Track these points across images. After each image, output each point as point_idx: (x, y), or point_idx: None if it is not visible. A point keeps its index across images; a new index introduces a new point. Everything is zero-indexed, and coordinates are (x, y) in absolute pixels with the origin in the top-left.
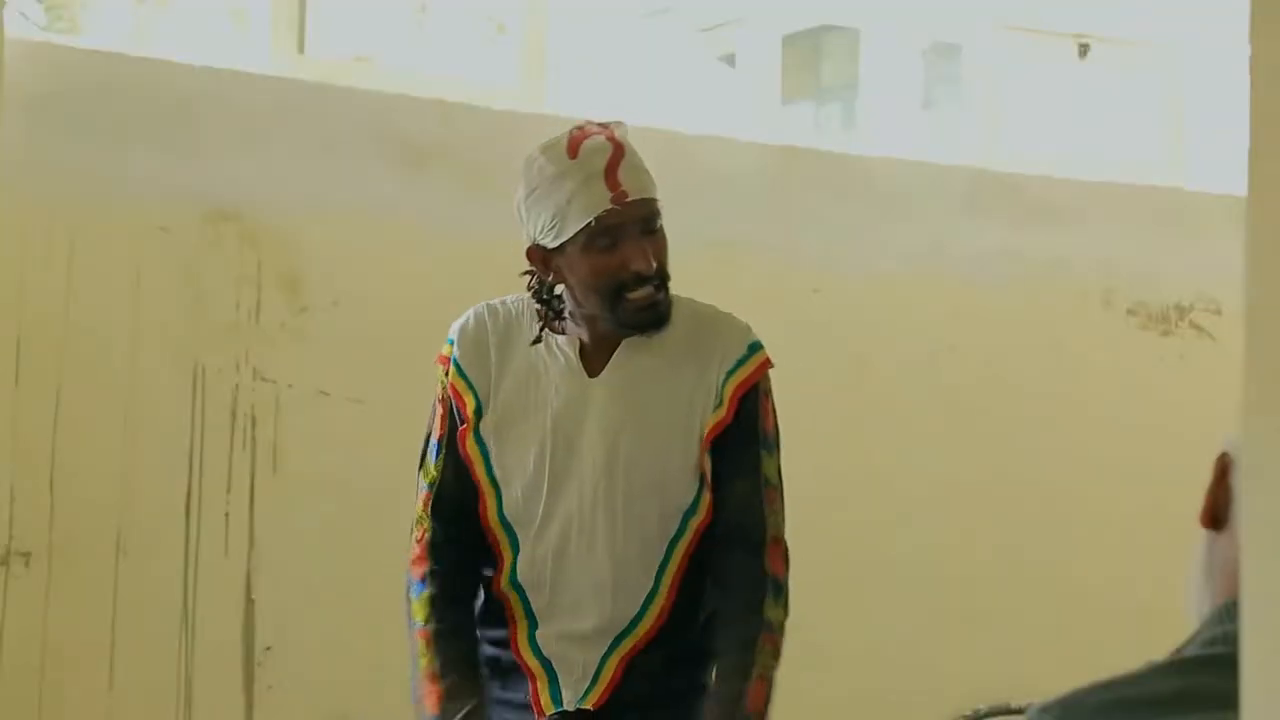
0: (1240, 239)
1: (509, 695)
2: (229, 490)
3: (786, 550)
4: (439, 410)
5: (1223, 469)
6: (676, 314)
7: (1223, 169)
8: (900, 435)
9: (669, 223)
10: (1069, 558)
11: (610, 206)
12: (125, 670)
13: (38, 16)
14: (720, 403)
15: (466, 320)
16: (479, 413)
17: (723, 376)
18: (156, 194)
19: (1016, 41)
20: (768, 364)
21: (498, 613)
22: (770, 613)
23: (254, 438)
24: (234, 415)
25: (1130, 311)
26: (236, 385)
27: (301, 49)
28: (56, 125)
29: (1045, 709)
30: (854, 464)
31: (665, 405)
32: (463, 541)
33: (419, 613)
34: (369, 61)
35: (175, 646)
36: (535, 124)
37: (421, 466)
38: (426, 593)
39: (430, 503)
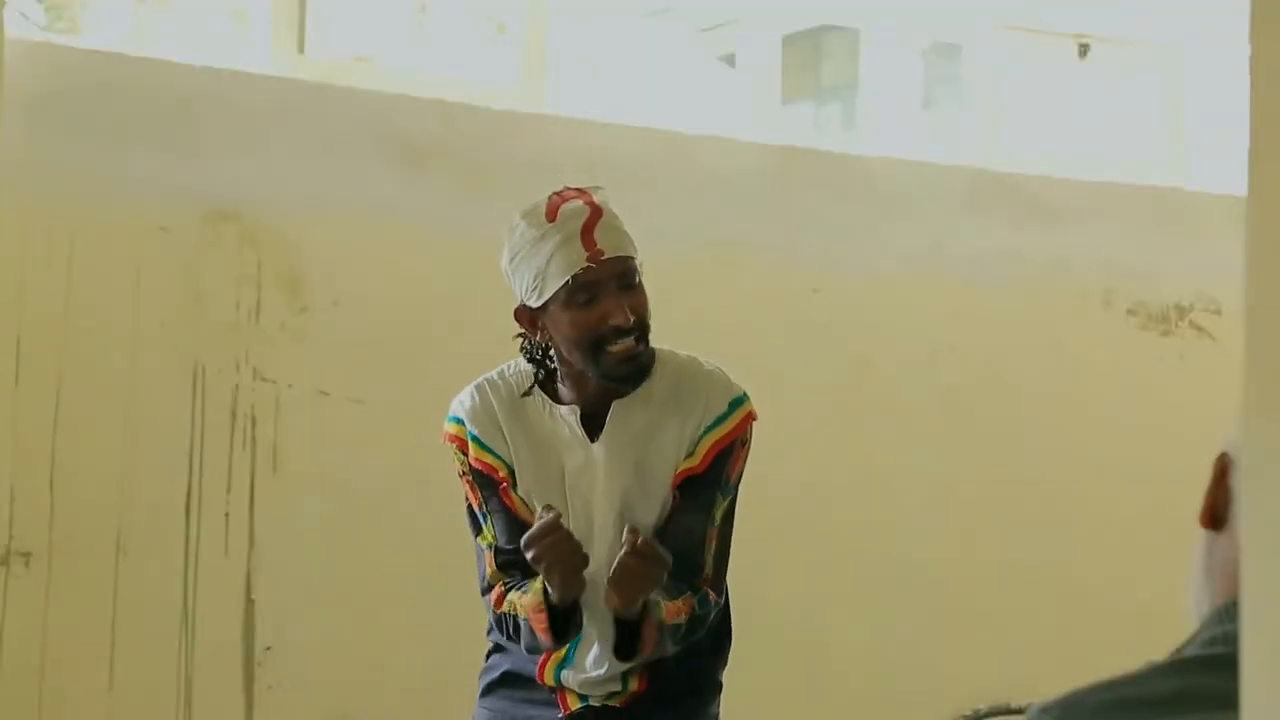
0: (1240, 239)
1: (532, 694)
2: (229, 490)
3: (716, 589)
4: (465, 483)
5: (1222, 469)
6: (661, 369)
7: (1223, 169)
8: (900, 435)
9: (669, 223)
10: (1069, 558)
11: (586, 264)
12: (125, 670)
13: (38, 16)
14: (693, 452)
15: (470, 399)
16: (513, 479)
17: (701, 430)
18: (156, 194)
19: (1016, 41)
20: (750, 418)
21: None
22: (698, 603)
23: (254, 438)
24: (234, 415)
25: (1130, 311)
26: (236, 385)
27: (301, 49)
28: (56, 125)
29: (1045, 709)
30: (854, 464)
31: (656, 461)
32: None
33: (505, 607)
34: (369, 61)
35: (175, 646)
36: (535, 124)
37: (477, 535)
38: (507, 599)
39: (494, 561)
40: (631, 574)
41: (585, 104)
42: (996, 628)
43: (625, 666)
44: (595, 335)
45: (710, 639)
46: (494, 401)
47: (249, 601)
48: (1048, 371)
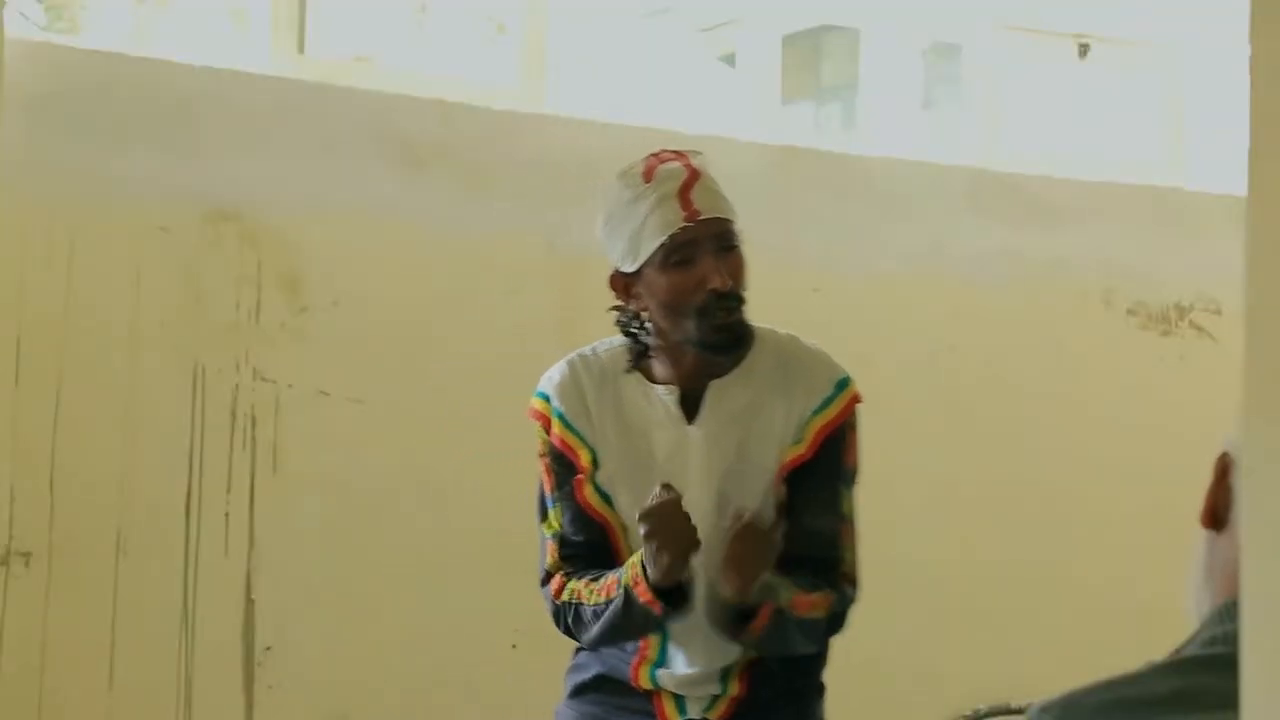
0: (1240, 239)
1: (626, 700)
2: (229, 490)
3: (855, 584)
4: (542, 464)
5: (1223, 469)
6: (763, 348)
7: (1223, 169)
8: (900, 435)
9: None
10: (1069, 558)
11: (684, 224)
12: (125, 670)
13: (38, 16)
14: (801, 439)
15: (559, 374)
16: (595, 463)
17: (808, 414)
18: (156, 194)
19: (1016, 41)
20: (856, 400)
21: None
22: (839, 600)
23: (254, 438)
24: (234, 415)
25: (1130, 311)
26: (236, 385)
27: (301, 49)
28: (56, 125)
29: (1045, 709)
30: None
31: (758, 444)
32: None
33: (566, 596)
34: (369, 61)
35: (175, 646)
36: (535, 124)
37: (543, 521)
38: (568, 588)
39: (557, 552)
40: (742, 556)
41: (585, 104)
42: (996, 628)
43: (723, 664)
44: (692, 299)
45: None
46: (584, 378)
47: (249, 601)
48: (1048, 371)
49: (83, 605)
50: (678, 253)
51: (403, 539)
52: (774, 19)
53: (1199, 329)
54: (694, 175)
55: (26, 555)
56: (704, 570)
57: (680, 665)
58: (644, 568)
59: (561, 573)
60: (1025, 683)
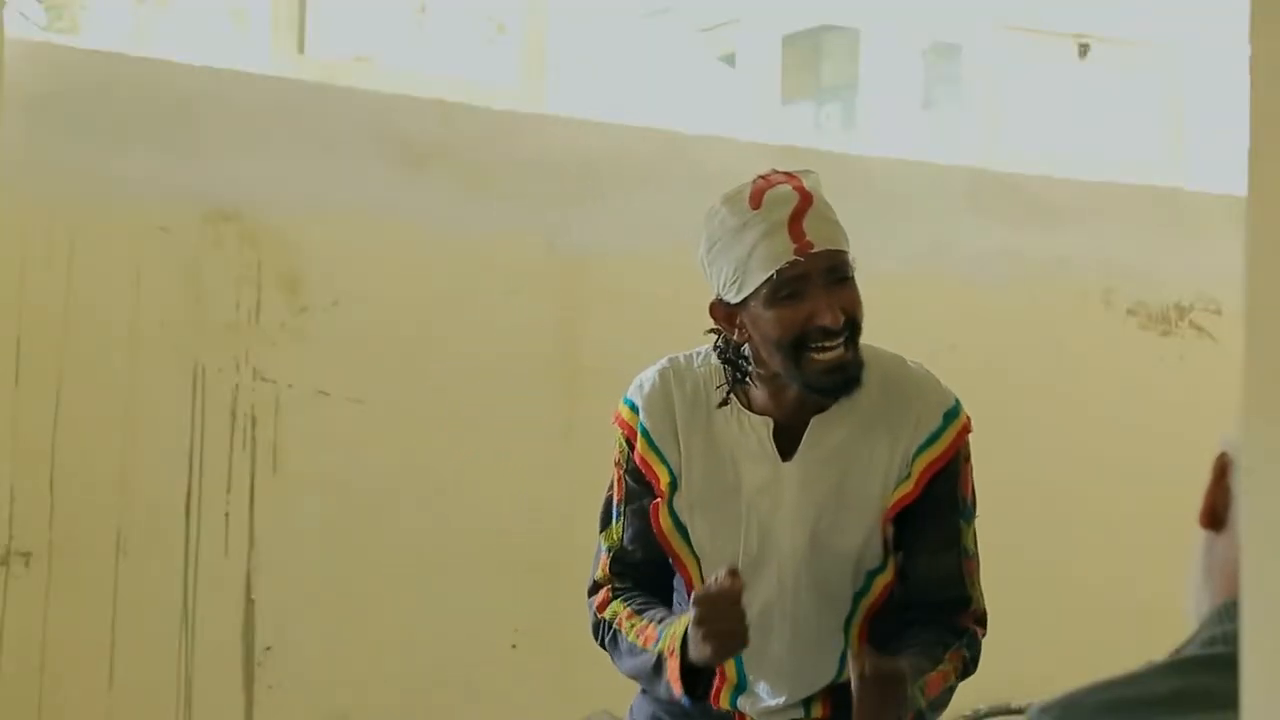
0: (1240, 239)
1: (715, 713)
2: (229, 490)
3: (984, 617)
4: (617, 473)
5: (1222, 469)
6: (868, 375)
7: (1223, 169)
8: None
9: (669, 222)
10: (1069, 558)
11: (794, 258)
12: (125, 670)
13: (38, 16)
14: (909, 476)
15: (651, 384)
16: (673, 486)
17: (914, 450)
18: (156, 194)
19: (1016, 41)
20: (967, 431)
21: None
22: (959, 647)
23: (254, 438)
24: (234, 415)
25: (1130, 311)
26: (236, 385)
27: (301, 49)
28: (56, 125)
29: (1045, 709)
30: None
31: (859, 482)
32: (644, 589)
33: (608, 615)
34: (369, 61)
35: (175, 646)
36: (535, 124)
37: (604, 530)
38: (610, 607)
39: (609, 565)
40: (874, 710)
41: (585, 104)
42: (996, 628)
43: (806, 694)
44: (799, 336)
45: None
46: (675, 393)
47: (249, 601)
48: (1048, 371)
49: (83, 605)
50: (786, 287)
51: (403, 539)
52: (774, 19)
53: (1199, 329)
54: (806, 201)
55: (26, 555)
56: (789, 620)
57: (763, 695)
58: (684, 641)
59: (610, 587)
60: (1025, 683)
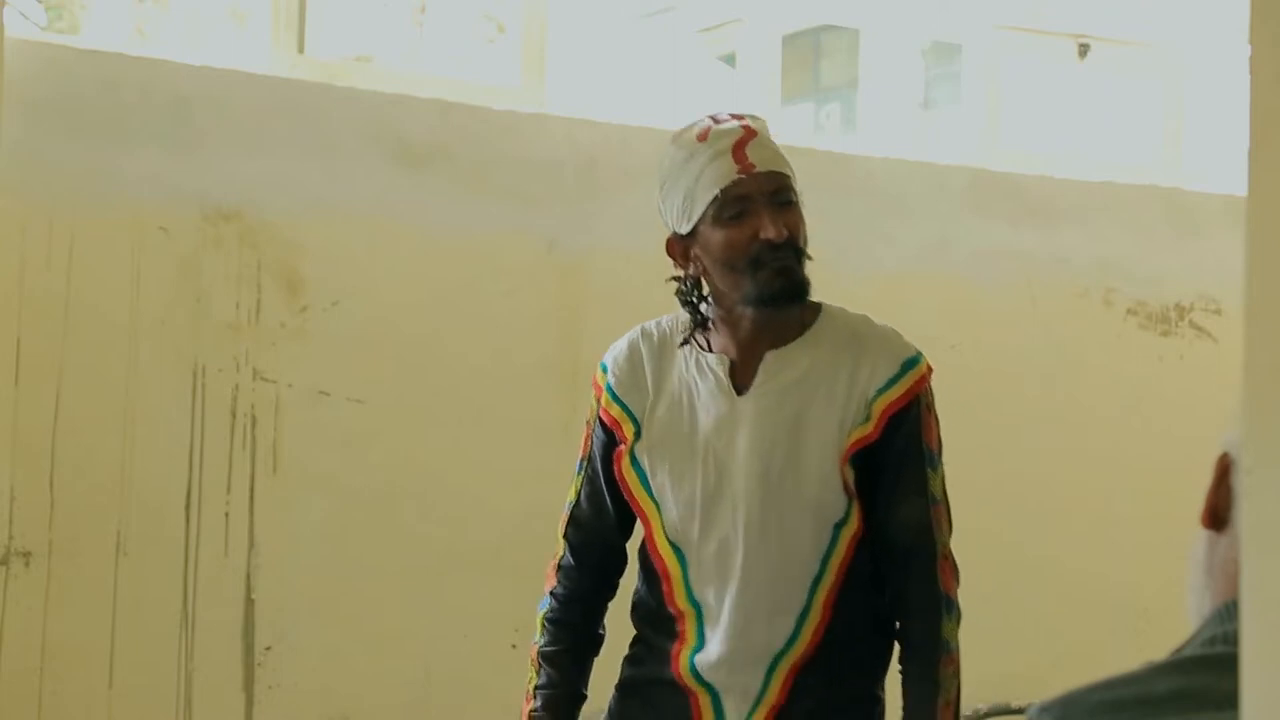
0: (1240, 239)
1: (675, 702)
2: (229, 490)
3: (954, 563)
4: (586, 431)
5: (1223, 469)
6: (827, 321)
7: (1223, 169)
8: None
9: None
10: (1069, 557)
11: (737, 177)
12: (125, 670)
13: (38, 16)
14: (868, 418)
15: (623, 345)
16: (638, 435)
17: (873, 392)
18: (156, 194)
19: (1016, 41)
20: (926, 378)
21: (671, 625)
22: (947, 632)
23: (254, 438)
24: (234, 415)
25: (1130, 311)
26: (236, 385)
27: (301, 49)
28: (56, 125)
29: (1045, 708)
30: None
31: (816, 419)
32: (591, 567)
33: (537, 628)
34: (369, 61)
35: (175, 646)
36: (535, 124)
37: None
38: (544, 611)
39: (566, 523)
40: None
41: (585, 104)
42: (996, 627)
43: (760, 650)
44: (747, 253)
45: (867, 652)
46: (643, 348)
47: (249, 601)
48: (1048, 371)
49: (83, 605)
50: (731, 206)
51: (402, 539)
52: (774, 19)
53: (1199, 329)
54: (749, 133)
55: (26, 555)
56: (742, 556)
57: (715, 647)
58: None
59: (557, 562)
60: (1025, 682)
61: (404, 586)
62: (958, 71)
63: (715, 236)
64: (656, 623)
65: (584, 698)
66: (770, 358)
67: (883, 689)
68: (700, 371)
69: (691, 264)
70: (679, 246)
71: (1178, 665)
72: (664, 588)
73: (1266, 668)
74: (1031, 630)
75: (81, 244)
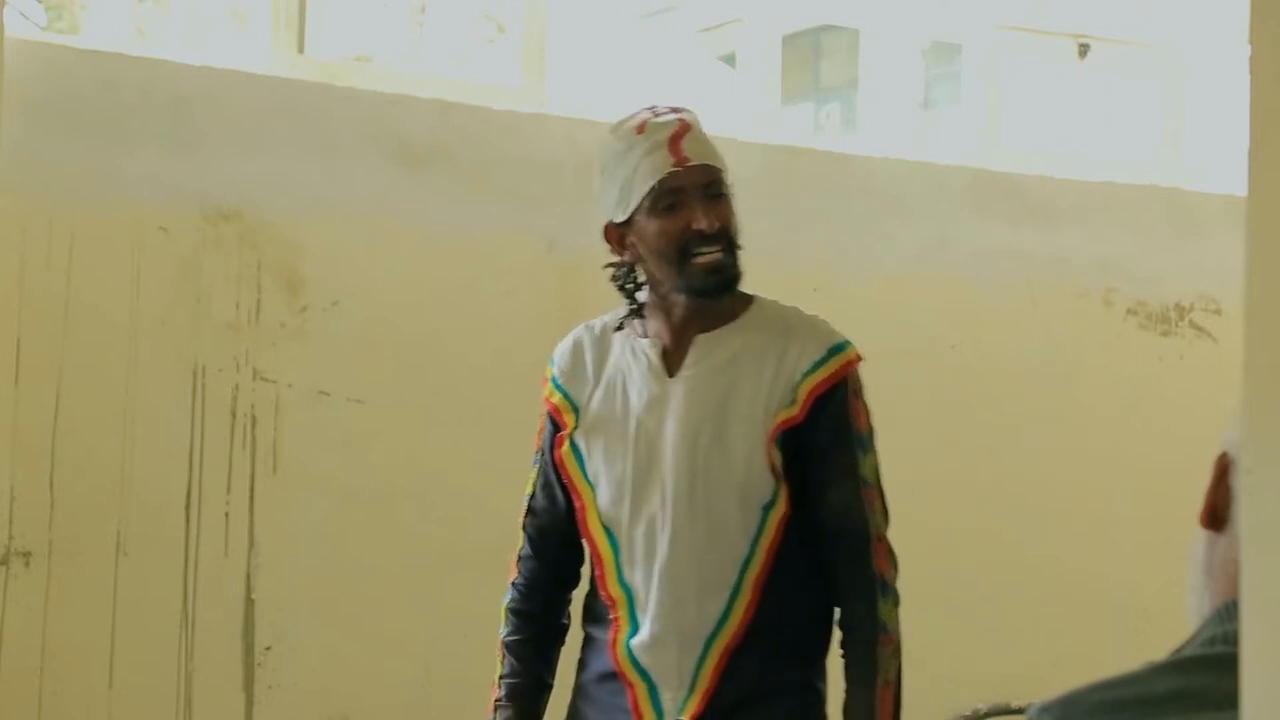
0: (1240, 239)
1: (616, 700)
2: (229, 490)
3: (890, 547)
4: (539, 425)
5: (1222, 469)
6: (758, 310)
7: (1223, 169)
8: (899, 435)
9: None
10: (1069, 557)
11: (672, 169)
12: (125, 670)
13: (38, 16)
14: (793, 401)
15: (566, 341)
16: (578, 422)
17: (799, 375)
18: (156, 194)
19: (1016, 41)
20: (853, 364)
21: (605, 615)
22: (884, 614)
23: (254, 438)
24: (234, 415)
25: (1130, 311)
26: (236, 385)
27: (301, 49)
28: (56, 125)
29: (1045, 708)
30: None
31: (742, 399)
32: (549, 556)
33: (501, 618)
34: (369, 61)
35: (175, 646)
36: (535, 124)
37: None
38: (507, 602)
39: (523, 516)
40: None
41: (585, 104)
42: (996, 627)
43: (695, 637)
44: (680, 243)
45: (803, 638)
46: (585, 339)
47: (249, 601)
48: (1048, 371)
49: (83, 605)
50: (666, 198)
51: (403, 539)
52: (774, 19)
53: (1199, 329)
54: (685, 126)
55: (26, 555)
56: (669, 537)
57: (647, 629)
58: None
59: (518, 555)
60: (1025, 682)
61: (404, 586)
62: (958, 71)
63: (650, 226)
64: (595, 615)
65: (548, 686)
66: (701, 340)
67: (822, 680)
68: (634, 355)
69: (627, 251)
70: (615, 234)
71: (1178, 665)
72: (597, 572)
73: (1266, 668)
74: (1031, 630)
75: (81, 244)
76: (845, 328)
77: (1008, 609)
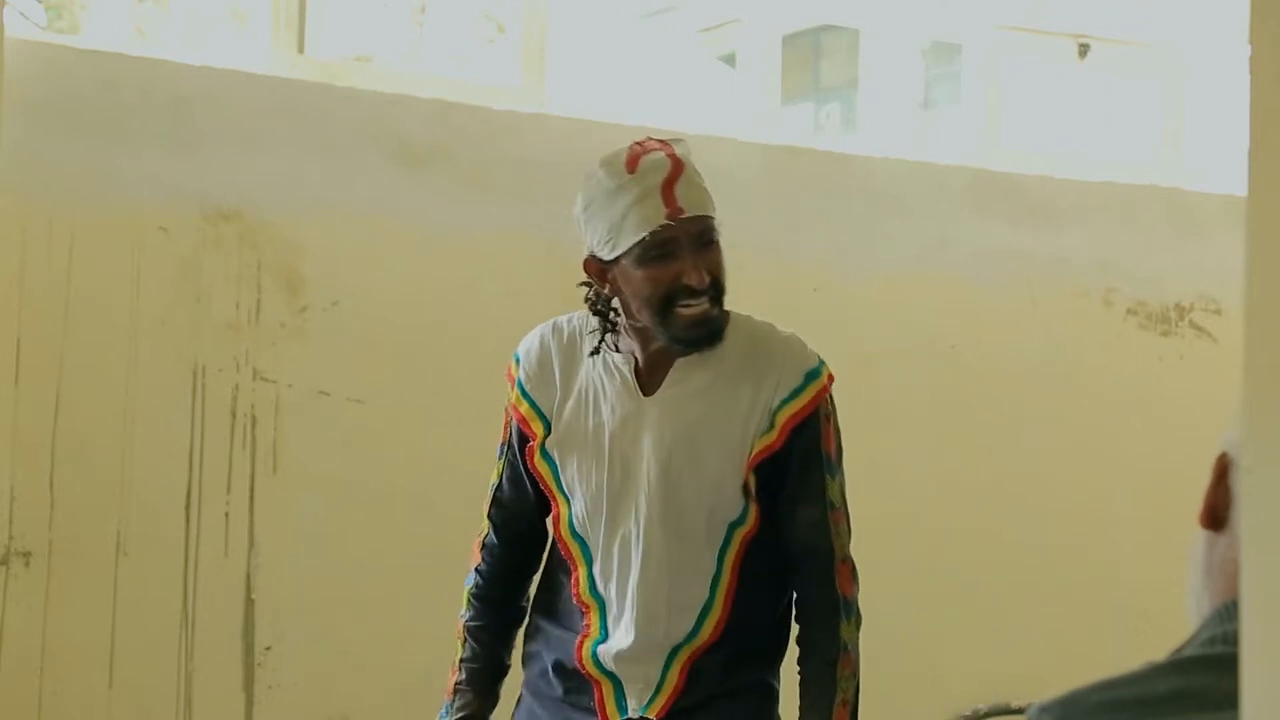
0: (1240, 239)
1: (575, 699)
2: (229, 490)
3: (854, 568)
4: (505, 417)
5: (1222, 469)
6: (734, 332)
7: (1223, 169)
8: (899, 434)
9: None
10: (1069, 557)
11: (665, 221)
12: (125, 670)
13: (38, 16)
14: (771, 428)
15: (532, 341)
16: (548, 430)
17: (777, 403)
18: (156, 194)
19: (1016, 41)
20: (827, 389)
21: (576, 618)
22: (845, 633)
23: (254, 438)
24: (234, 415)
25: (1130, 311)
26: (236, 385)
27: (301, 49)
28: (56, 125)
29: (1045, 708)
30: (853, 463)
31: (717, 424)
32: (513, 545)
33: (463, 602)
34: (369, 61)
35: (175, 646)
36: (535, 124)
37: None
38: (470, 587)
39: (490, 504)
40: None
41: (585, 104)
42: (996, 626)
43: (663, 646)
44: (667, 294)
45: (765, 642)
46: (552, 343)
47: (249, 601)
48: (1048, 371)
49: (83, 605)
50: (657, 249)
51: (403, 539)
52: (774, 19)
53: (1199, 329)
54: (678, 169)
55: (26, 555)
56: (644, 554)
57: (617, 639)
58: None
59: (482, 540)
60: (1025, 681)
61: (404, 586)
62: (958, 71)
63: (637, 274)
64: (561, 615)
65: (506, 668)
66: (680, 364)
67: (778, 678)
68: (607, 370)
69: (607, 285)
70: (597, 269)
71: (1178, 665)
72: (570, 579)
73: (1266, 668)
74: (1032, 630)
75: (81, 244)
76: (845, 328)
77: (1008, 609)
